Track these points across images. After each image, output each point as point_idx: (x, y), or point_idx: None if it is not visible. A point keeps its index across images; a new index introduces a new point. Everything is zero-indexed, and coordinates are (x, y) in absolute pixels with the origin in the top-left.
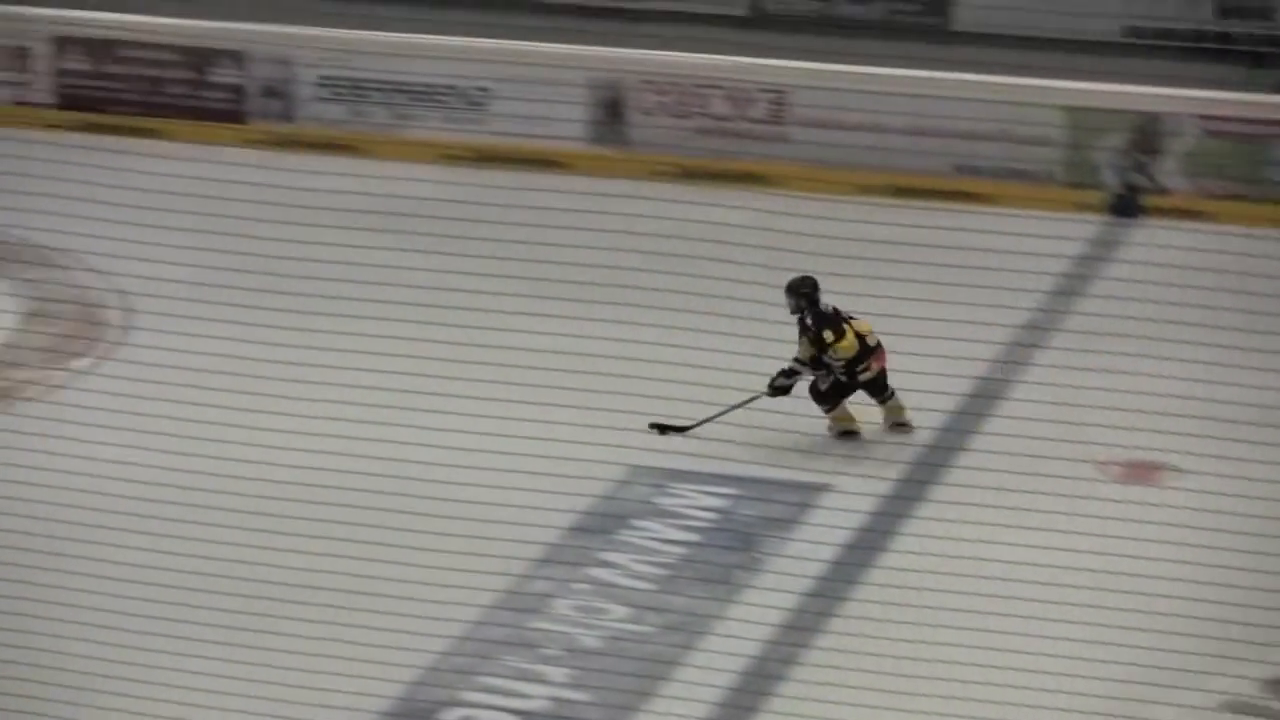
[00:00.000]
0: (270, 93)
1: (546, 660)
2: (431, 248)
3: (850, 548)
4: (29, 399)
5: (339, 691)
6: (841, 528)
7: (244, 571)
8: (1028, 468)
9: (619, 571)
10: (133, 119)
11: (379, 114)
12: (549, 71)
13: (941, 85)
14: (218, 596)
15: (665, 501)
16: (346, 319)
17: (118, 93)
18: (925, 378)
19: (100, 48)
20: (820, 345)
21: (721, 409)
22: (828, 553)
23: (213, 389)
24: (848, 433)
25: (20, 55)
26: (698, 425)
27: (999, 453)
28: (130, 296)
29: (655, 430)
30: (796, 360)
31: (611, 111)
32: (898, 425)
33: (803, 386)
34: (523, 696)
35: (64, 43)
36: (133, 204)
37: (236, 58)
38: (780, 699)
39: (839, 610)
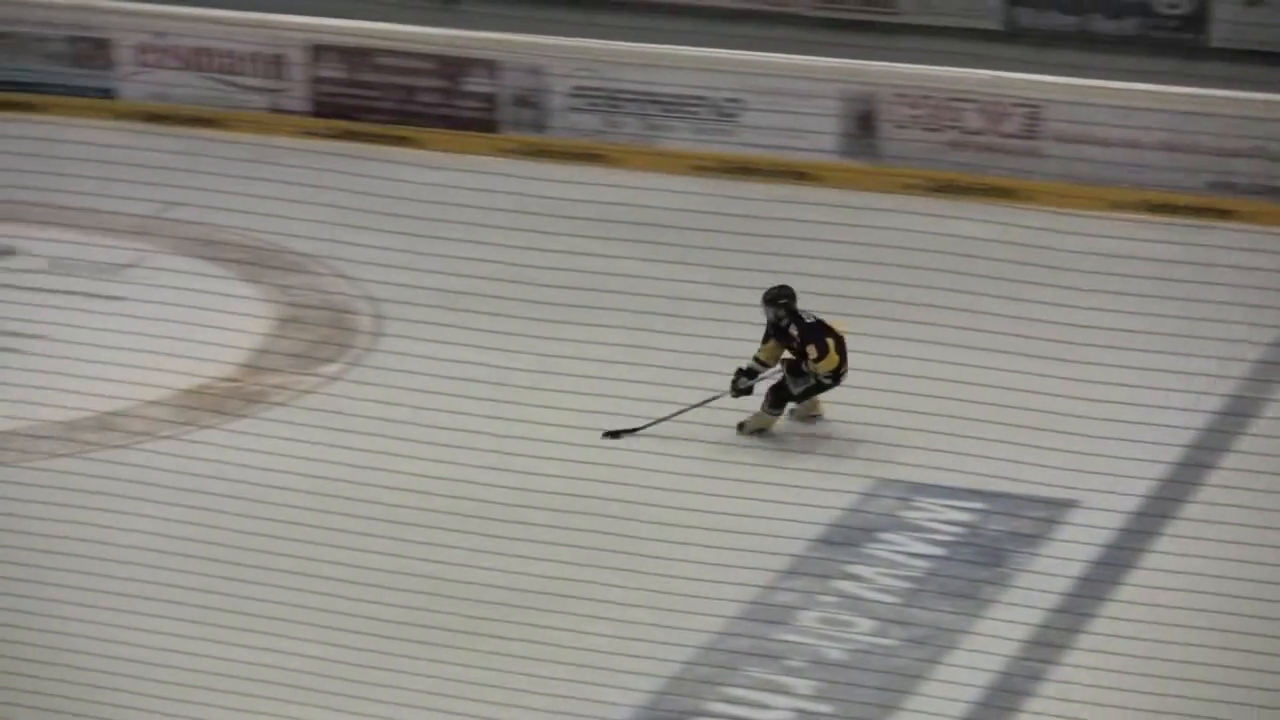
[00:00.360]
0: (523, 102)
1: (791, 672)
2: (680, 258)
3: (1098, 564)
4: (279, 403)
5: (584, 699)
6: (1090, 544)
7: (486, 578)
8: None
9: (864, 584)
10: (386, 127)
11: (631, 124)
12: (801, 84)
13: (1197, 101)
14: (458, 602)
15: (911, 515)
16: (595, 328)
17: (372, 101)
18: (1179, 395)
19: (356, 56)
20: (801, 356)
21: (679, 408)
22: (1076, 569)
23: (459, 395)
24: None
25: (277, 63)
26: (652, 424)
27: (1251, 471)
28: (380, 303)
29: (610, 436)
30: (757, 360)
31: (863, 124)
32: (811, 416)
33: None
34: (766, 708)
35: (320, 50)
36: (384, 211)
37: (490, 67)
38: (1025, 715)
39: (1087, 627)
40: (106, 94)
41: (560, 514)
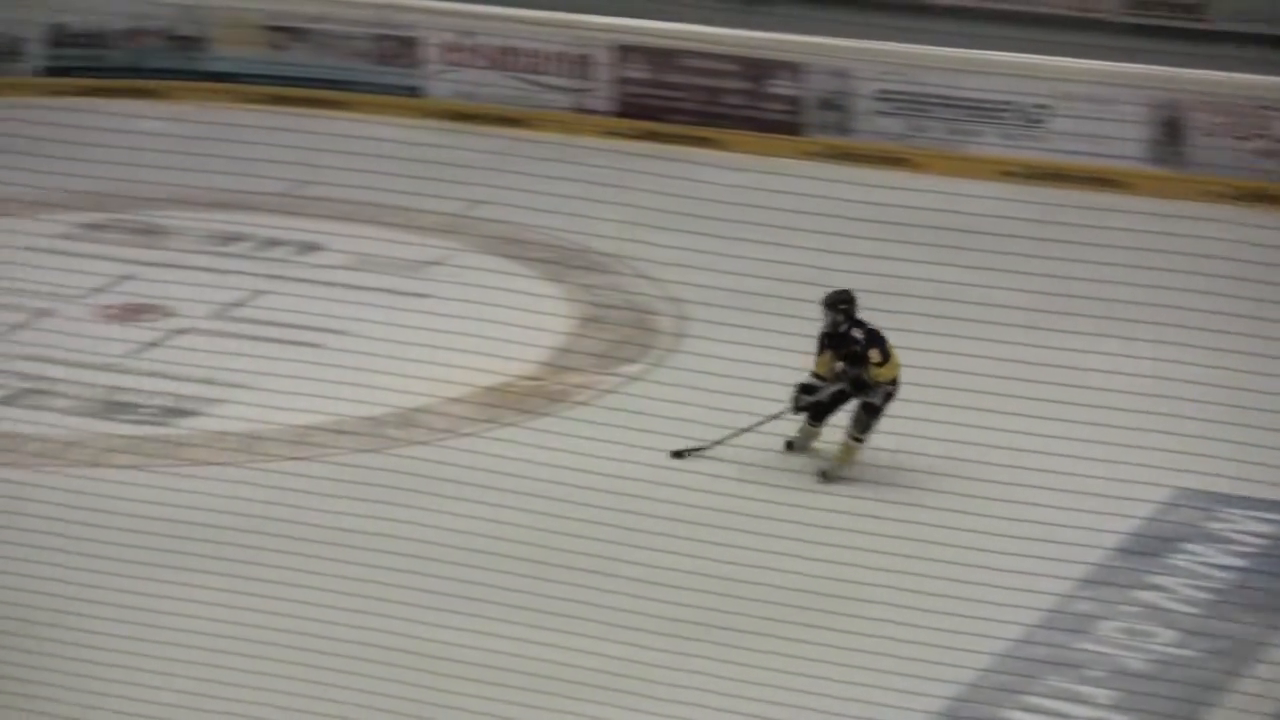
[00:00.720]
0: (828, 105)
1: (1091, 681)
2: (986, 264)
3: None
4: (581, 402)
5: (880, 704)
6: None
7: (780, 579)
8: None
9: (1166, 595)
10: (690, 128)
11: (936, 129)
12: (1109, 90)
13: None
14: (753, 603)
15: (1214, 526)
16: (896, 333)
17: (676, 102)
18: None
19: (661, 57)
20: (862, 362)
21: (733, 431)
22: None
23: (759, 397)
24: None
25: (582, 63)
26: (712, 446)
27: None
28: (683, 304)
29: (676, 456)
30: (815, 375)
31: (1170, 131)
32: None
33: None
34: (1065, 717)
35: (625, 51)
36: (687, 212)
37: (795, 69)
38: None
39: None
40: (413, 92)
41: (854, 517)
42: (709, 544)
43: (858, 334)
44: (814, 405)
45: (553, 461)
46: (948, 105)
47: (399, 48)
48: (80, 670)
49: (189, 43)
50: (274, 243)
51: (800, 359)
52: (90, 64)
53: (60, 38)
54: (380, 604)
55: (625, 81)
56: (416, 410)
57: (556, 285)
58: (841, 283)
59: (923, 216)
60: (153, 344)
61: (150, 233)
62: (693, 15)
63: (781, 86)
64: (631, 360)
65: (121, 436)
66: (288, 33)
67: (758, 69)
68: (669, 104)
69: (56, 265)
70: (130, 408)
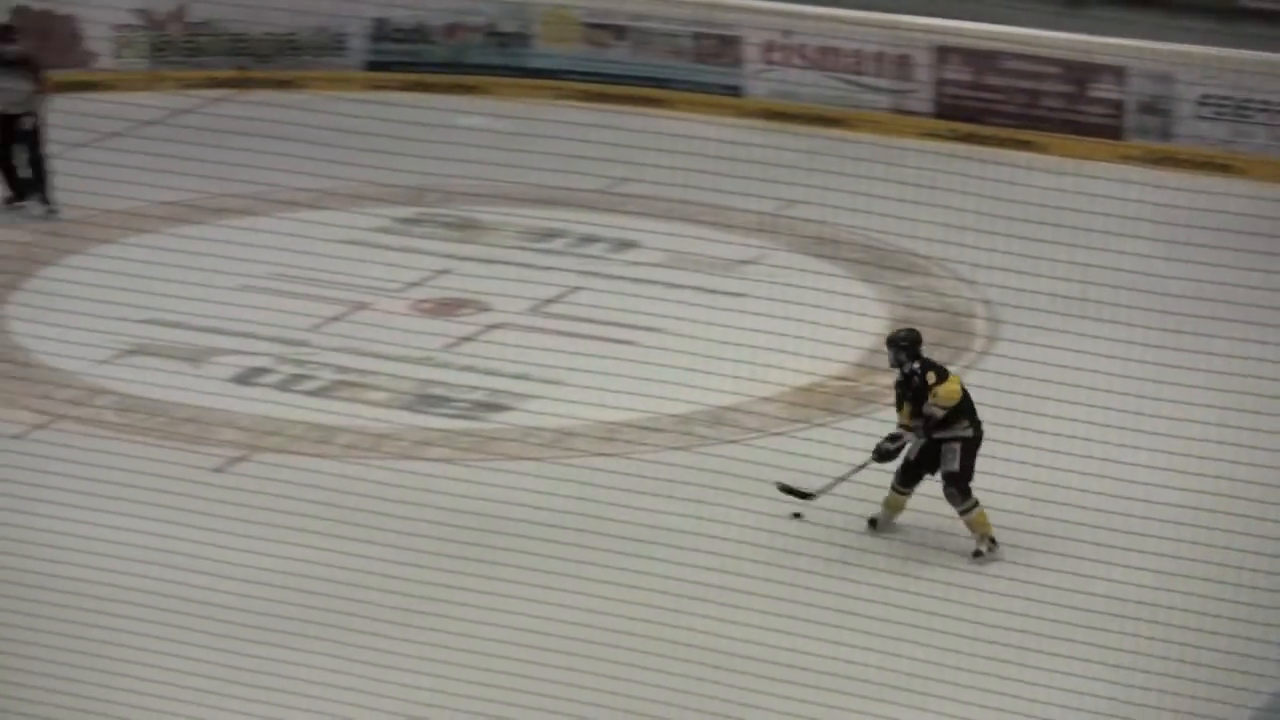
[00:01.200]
0: (1149, 109)
1: None
2: None
3: None
4: (890, 404)
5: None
6: None
7: (1098, 587)
8: None
9: None
10: (1009, 131)
11: (1259, 135)
12: None
13: None
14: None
15: None
16: (1208, 338)
17: (995, 104)
18: None
19: (981, 58)
20: (921, 395)
21: (830, 481)
22: None
23: (1075, 402)
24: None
25: (902, 64)
26: (818, 496)
27: None
28: (996, 307)
29: (781, 489)
30: (902, 425)
31: None
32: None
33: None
34: None
35: (945, 52)
36: (1003, 215)
37: (1118, 73)
38: None
39: None
40: (733, 91)
41: (1184, 526)
42: (1016, 548)
43: (915, 366)
44: (891, 454)
45: (859, 462)
46: (1272, 111)
47: (719, 46)
48: (375, 660)
49: (510, 39)
50: (590, 239)
51: (1120, 365)
52: (411, 59)
53: (383, 32)
54: (686, 602)
55: (944, 83)
56: (727, 409)
57: (870, 286)
58: (1157, 287)
59: (1244, 223)
60: (467, 338)
61: (467, 227)
62: (1014, 17)
63: (1103, 90)
64: (945, 363)
65: (434, 430)
66: (609, 30)
67: (1080, 72)
68: (988, 106)
69: (373, 259)
70: (443, 401)
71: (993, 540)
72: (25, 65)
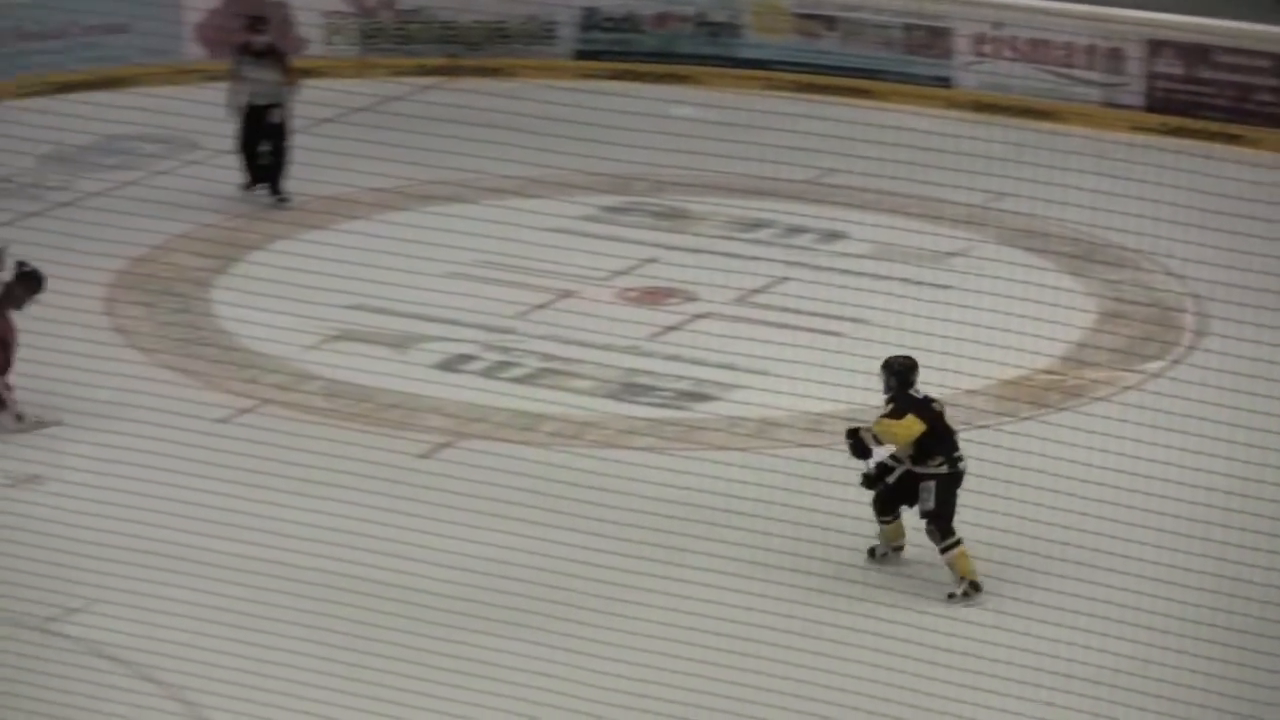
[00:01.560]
0: None
1: None
2: None
3: None
4: (1099, 398)
5: None
6: None
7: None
8: None
9: None
10: (1220, 125)
11: None
12: None
13: None
14: (1253, 604)
15: None
16: None
17: (1207, 98)
18: None
19: (1194, 52)
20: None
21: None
22: None
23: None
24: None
25: (1113, 57)
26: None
27: None
28: (1205, 302)
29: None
30: (893, 458)
31: None
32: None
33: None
34: None
35: (1157, 46)
36: (1213, 209)
37: None
38: None
39: None
40: (943, 83)
41: None
42: (1223, 544)
43: (894, 399)
44: (875, 481)
45: (1066, 456)
46: None
47: (929, 38)
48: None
49: (721, 29)
50: (798, 230)
51: None
52: (621, 48)
53: (593, 21)
54: (877, 592)
55: (1156, 77)
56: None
57: (1078, 279)
58: None
59: None
60: (673, 328)
61: (675, 217)
62: (1227, 10)
63: None
64: (1154, 358)
65: (638, 419)
66: (819, 20)
67: None
68: (1199, 100)
69: (580, 247)
70: (648, 390)
71: (974, 584)
72: (273, 56)
